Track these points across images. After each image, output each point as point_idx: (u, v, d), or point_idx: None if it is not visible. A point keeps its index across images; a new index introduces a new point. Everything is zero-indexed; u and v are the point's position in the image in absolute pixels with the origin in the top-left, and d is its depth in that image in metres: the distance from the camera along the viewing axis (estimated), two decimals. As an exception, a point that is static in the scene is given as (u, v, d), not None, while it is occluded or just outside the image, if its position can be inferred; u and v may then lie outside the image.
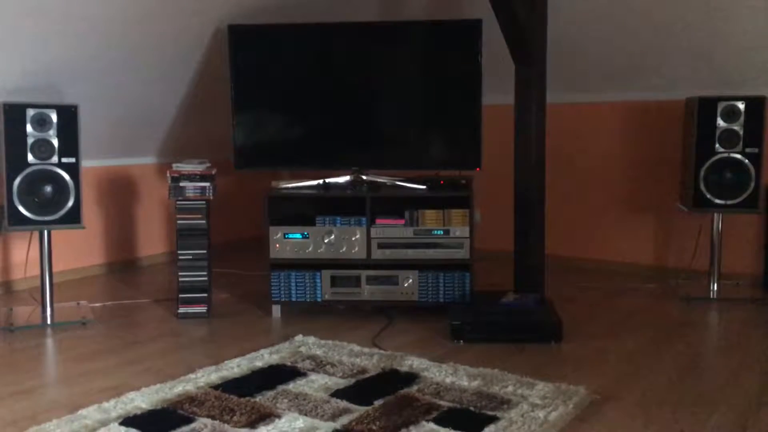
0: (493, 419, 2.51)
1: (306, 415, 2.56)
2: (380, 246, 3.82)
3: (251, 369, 3.03)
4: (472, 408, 2.61)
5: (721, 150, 4.03)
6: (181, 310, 3.86)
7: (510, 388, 2.77)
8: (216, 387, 2.81)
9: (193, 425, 2.48)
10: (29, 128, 3.62)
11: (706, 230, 4.33)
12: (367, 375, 2.95)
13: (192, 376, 2.94)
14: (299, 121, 4.16)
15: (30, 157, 3.63)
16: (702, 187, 4.07)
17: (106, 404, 2.65)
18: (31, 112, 3.63)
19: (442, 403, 2.66)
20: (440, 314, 3.68)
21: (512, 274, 4.01)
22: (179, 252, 3.86)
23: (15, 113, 3.61)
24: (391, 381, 2.87)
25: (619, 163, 4.91)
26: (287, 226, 3.85)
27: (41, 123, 3.64)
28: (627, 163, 4.88)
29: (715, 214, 4.17)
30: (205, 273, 3.87)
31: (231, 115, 4.08)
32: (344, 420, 2.52)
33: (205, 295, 3.88)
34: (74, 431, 2.44)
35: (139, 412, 2.59)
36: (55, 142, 3.67)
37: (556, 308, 3.62)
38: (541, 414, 2.53)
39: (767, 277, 4.32)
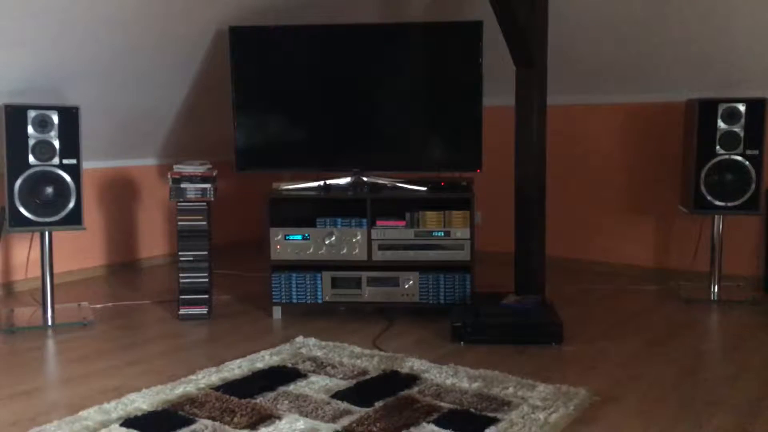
0: (493, 421, 2.51)
1: (306, 416, 2.56)
2: (381, 247, 3.82)
3: (252, 370, 3.03)
4: (472, 409, 2.61)
5: (722, 152, 4.03)
6: (182, 311, 3.86)
7: (510, 390, 2.77)
8: (217, 388, 2.81)
9: (193, 426, 2.48)
10: (30, 129, 3.62)
11: (707, 232, 4.33)
12: (367, 376, 2.96)
13: (193, 377, 2.94)
14: (300, 123, 4.16)
15: (31, 159, 3.63)
16: (703, 188, 4.07)
17: (106, 405, 2.65)
18: (32, 114, 3.63)
19: (442, 404, 2.66)
20: (441, 316, 3.68)
21: (513, 275, 4.02)
22: (180, 253, 3.86)
23: (16, 115, 3.61)
24: (391, 382, 2.88)
25: (619, 164, 4.90)
26: (288, 228, 3.85)
27: (42, 124, 3.64)
28: (627, 164, 4.88)
29: (716, 216, 4.17)
30: (205, 274, 3.87)
31: (232, 117, 4.08)
32: (345, 421, 2.52)
33: (206, 296, 3.88)
34: (75, 432, 2.45)
35: (139, 413, 2.59)
36: (57, 143, 3.67)
37: (557, 310, 3.62)
38: (541, 416, 2.53)
39: (768, 278, 4.33)
